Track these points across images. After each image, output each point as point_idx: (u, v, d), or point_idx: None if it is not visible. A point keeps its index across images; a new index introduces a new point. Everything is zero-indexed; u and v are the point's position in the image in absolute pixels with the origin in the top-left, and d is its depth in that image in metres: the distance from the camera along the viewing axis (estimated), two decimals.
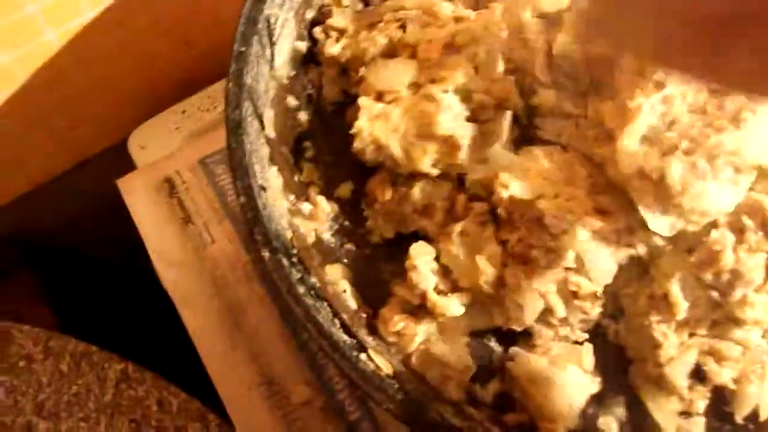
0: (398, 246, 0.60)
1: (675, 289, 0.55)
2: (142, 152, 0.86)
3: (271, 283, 0.54)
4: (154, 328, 0.86)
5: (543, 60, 0.60)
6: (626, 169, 0.54)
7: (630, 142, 0.54)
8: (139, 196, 0.81)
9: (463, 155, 0.58)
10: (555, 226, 0.54)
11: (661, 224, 0.54)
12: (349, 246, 0.62)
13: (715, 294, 0.54)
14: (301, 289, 0.54)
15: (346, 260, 0.62)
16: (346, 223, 0.63)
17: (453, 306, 0.56)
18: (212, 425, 0.83)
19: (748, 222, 0.54)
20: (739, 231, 0.54)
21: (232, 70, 0.59)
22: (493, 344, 0.59)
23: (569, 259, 0.55)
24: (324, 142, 0.65)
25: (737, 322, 0.55)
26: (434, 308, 0.56)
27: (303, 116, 0.65)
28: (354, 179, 0.64)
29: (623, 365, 0.58)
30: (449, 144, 0.58)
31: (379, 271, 0.61)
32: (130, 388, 0.86)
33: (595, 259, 0.55)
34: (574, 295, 0.55)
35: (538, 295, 0.56)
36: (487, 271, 0.56)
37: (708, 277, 0.54)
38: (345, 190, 0.64)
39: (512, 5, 0.62)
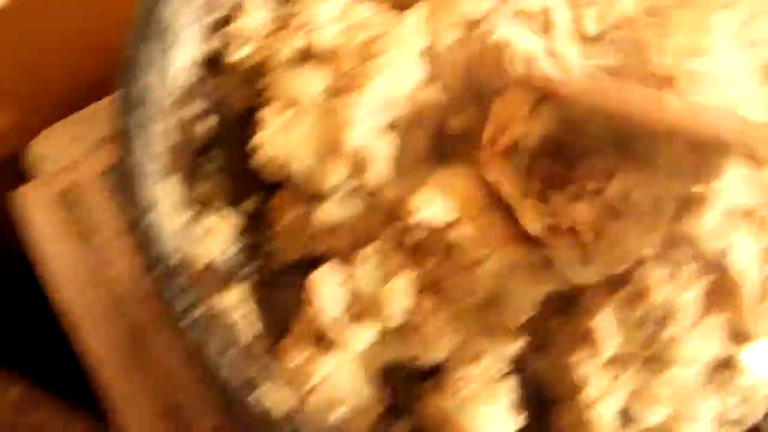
0: (308, 266, 0.55)
1: (599, 325, 0.50)
2: (41, 162, 0.79)
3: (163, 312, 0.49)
4: (51, 351, 0.80)
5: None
6: (533, 226, 0.50)
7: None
8: (33, 211, 0.75)
9: (375, 172, 0.53)
10: (467, 257, 0.49)
11: (584, 275, 0.50)
12: (254, 265, 0.57)
13: (645, 332, 0.50)
14: (188, 320, 0.49)
15: (250, 281, 0.57)
16: (252, 240, 0.58)
17: (357, 337, 0.51)
18: None
19: (680, 254, 0.49)
20: (670, 264, 0.50)
21: (125, 74, 0.53)
22: (405, 379, 0.54)
23: (487, 290, 0.50)
24: (230, 152, 0.59)
25: (670, 360, 0.51)
26: (336, 340, 0.51)
27: (208, 124, 0.60)
28: (263, 192, 0.59)
29: (548, 403, 0.54)
30: (358, 161, 0.53)
31: (286, 293, 0.56)
32: (31, 411, 0.80)
33: (513, 292, 0.51)
34: (490, 331, 0.51)
35: (451, 329, 0.51)
36: (396, 301, 0.51)
37: (637, 314, 0.50)
38: (252, 204, 0.59)
39: (437, 8, 0.57)
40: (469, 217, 0.51)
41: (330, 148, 0.53)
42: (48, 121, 0.81)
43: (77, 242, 0.74)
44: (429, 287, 0.51)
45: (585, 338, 0.51)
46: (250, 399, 0.48)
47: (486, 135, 0.51)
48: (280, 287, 0.57)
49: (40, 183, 0.77)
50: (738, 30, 0.51)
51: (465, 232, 0.50)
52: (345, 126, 0.53)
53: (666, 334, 0.50)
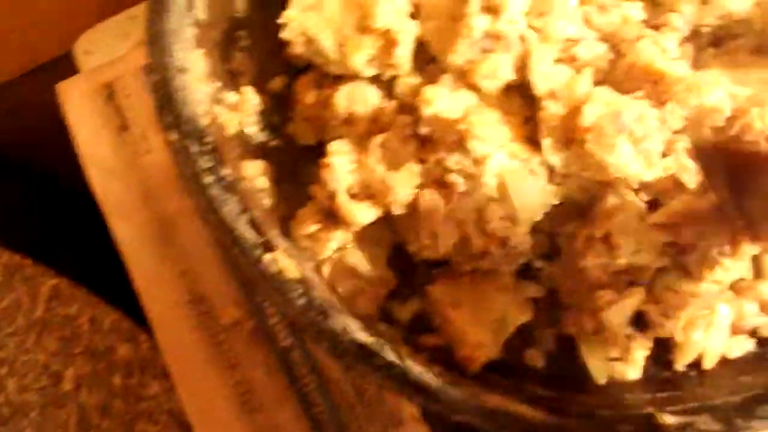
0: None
1: (617, 230, 0.50)
2: (87, 58, 0.81)
3: (177, 168, 0.49)
4: (91, 243, 0.81)
5: None
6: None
7: None
8: (75, 101, 0.76)
9: (400, 53, 0.53)
10: (477, 150, 0.49)
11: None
12: (275, 143, 0.58)
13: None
14: (208, 179, 0.50)
15: (270, 157, 0.57)
16: (275, 118, 0.58)
17: (361, 213, 0.51)
18: (143, 346, 0.79)
19: None
20: None
21: None
22: (416, 264, 0.54)
23: (490, 188, 0.50)
24: (261, 33, 0.59)
25: (690, 276, 0.50)
26: (340, 212, 0.51)
27: (241, 2, 0.60)
28: (290, 74, 0.58)
29: (556, 306, 0.54)
30: (386, 39, 0.53)
31: (302, 173, 0.56)
32: (62, 305, 0.82)
33: (521, 191, 0.50)
34: (488, 232, 0.50)
35: (454, 223, 0.51)
36: (400, 190, 0.51)
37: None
38: (278, 83, 0.59)
39: None
40: (483, 111, 0.51)
41: (359, 24, 0.53)
42: (96, 18, 0.81)
43: (115, 133, 0.75)
44: (434, 181, 0.51)
45: (601, 243, 0.50)
46: (266, 257, 0.48)
47: None
48: (298, 169, 0.57)
49: (84, 76, 0.78)
50: None
51: (476, 125, 0.50)
52: (374, 4, 0.53)
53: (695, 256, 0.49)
